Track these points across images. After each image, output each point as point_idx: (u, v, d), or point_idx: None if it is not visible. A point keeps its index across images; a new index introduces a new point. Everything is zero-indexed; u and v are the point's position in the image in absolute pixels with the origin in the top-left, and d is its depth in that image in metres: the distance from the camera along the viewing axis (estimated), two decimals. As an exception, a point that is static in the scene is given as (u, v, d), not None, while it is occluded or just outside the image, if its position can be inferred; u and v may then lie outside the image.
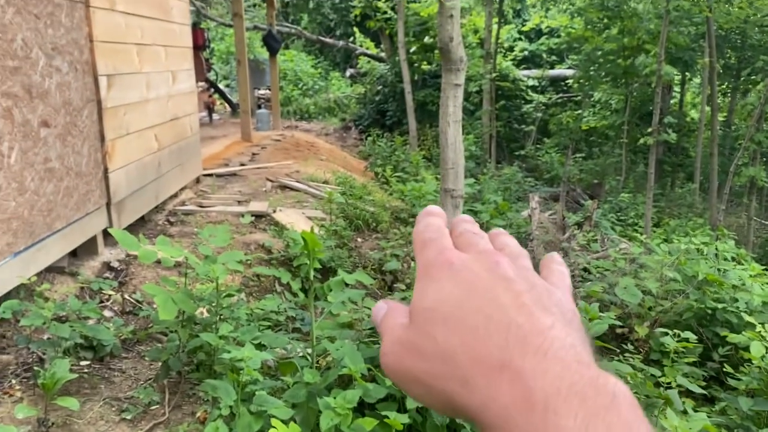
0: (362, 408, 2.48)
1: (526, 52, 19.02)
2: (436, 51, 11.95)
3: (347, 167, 9.66)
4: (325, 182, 7.57)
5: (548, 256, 0.45)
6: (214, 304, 3.00)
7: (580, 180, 13.98)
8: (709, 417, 2.95)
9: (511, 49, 18.73)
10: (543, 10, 17.74)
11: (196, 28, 9.84)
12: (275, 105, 11.80)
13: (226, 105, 13.79)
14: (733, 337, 3.98)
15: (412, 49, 13.98)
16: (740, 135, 14.25)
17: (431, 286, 0.38)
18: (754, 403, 3.28)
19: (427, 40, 13.96)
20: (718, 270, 5.17)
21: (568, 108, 16.13)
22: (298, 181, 7.27)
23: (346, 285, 2.87)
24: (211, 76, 12.39)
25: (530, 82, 16.71)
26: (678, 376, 3.29)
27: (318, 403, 2.30)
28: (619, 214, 11.69)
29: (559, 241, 7.06)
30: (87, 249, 4.15)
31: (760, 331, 3.74)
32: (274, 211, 5.78)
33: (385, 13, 14.49)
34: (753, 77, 15.15)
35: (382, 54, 17.10)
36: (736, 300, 4.68)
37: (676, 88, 16.71)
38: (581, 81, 14.61)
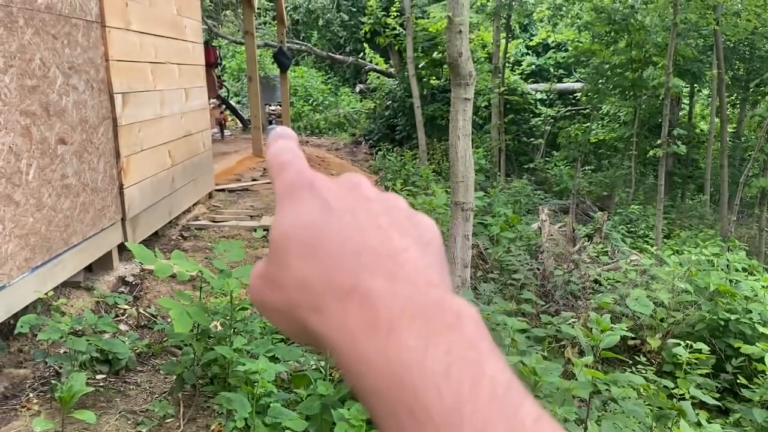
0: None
1: (533, 67, 19.09)
2: (445, 66, 12.02)
3: (357, 182, 9.68)
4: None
5: None
6: (228, 318, 3.04)
7: (590, 192, 13.96)
8: (723, 429, 2.94)
9: (519, 63, 18.80)
10: (550, 25, 17.82)
11: (208, 45, 9.97)
12: (286, 121, 11.89)
13: (238, 121, 13.90)
14: (746, 349, 3.97)
15: (421, 65, 14.06)
16: (750, 146, 14.20)
17: (290, 209, 0.36)
18: (768, 415, 3.27)
19: (435, 55, 14.05)
20: (730, 281, 5.15)
21: (576, 121, 16.13)
22: (308, 196, 7.31)
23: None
24: (223, 92, 12.50)
25: (538, 96, 16.73)
26: (691, 388, 3.27)
27: (332, 414, 2.33)
28: (629, 225, 11.66)
29: (570, 253, 7.05)
30: (102, 264, 4.20)
31: (773, 342, 3.73)
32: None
33: (395, 29, 14.60)
34: (762, 88, 15.13)
35: (392, 69, 17.21)
36: (749, 311, 4.66)
37: (685, 100, 16.70)
38: (589, 94, 14.64)
